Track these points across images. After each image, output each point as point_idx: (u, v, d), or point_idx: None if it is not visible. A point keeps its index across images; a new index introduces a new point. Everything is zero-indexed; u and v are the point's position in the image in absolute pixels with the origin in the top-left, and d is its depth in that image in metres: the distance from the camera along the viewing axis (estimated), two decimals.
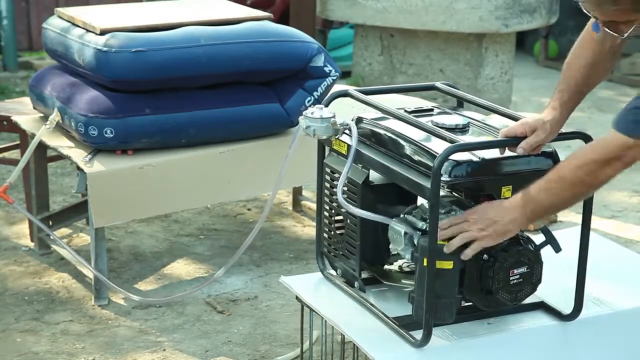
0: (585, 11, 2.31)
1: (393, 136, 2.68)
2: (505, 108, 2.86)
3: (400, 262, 2.88)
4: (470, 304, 2.66)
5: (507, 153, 2.57)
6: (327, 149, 2.90)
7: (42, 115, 4.08)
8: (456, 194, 2.73)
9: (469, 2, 6.13)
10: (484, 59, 6.38)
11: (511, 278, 2.57)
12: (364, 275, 2.84)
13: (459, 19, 6.17)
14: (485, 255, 2.55)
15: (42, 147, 3.99)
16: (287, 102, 3.94)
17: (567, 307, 2.74)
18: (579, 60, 2.61)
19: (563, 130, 2.62)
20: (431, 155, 2.51)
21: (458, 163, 2.48)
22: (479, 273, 2.57)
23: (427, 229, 2.50)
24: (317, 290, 2.94)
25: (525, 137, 2.53)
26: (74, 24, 3.91)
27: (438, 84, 3.04)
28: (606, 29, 2.31)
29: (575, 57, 2.62)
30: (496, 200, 2.54)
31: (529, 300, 2.68)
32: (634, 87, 7.64)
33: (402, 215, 2.70)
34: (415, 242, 2.55)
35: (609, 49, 2.58)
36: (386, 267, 2.87)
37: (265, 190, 4.18)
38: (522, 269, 2.58)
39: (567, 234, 3.01)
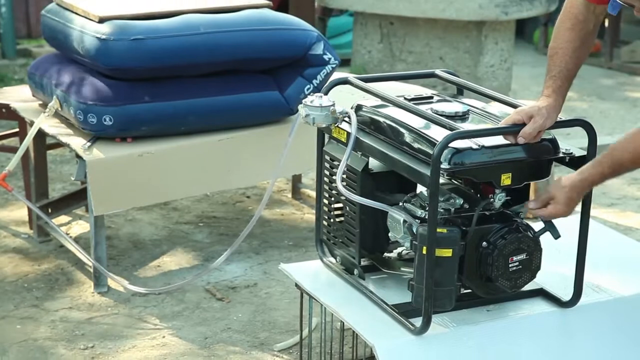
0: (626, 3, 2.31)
1: (393, 124, 2.68)
2: (505, 96, 2.85)
3: (399, 249, 2.88)
4: (470, 291, 2.67)
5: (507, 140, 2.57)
6: (326, 136, 2.89)
7: (41, 102, 4.08)
8: (456, 182, 2.73)
9: None
10: (483, 46, 6.37)
11: (510, 265, 2.57)
12: (364, 262, 2.85)
13: (459, 7, 6.15)
14: (484, 242, 2.56)
15: (41, 134, 3.98)
16: (286, 90, 3.94)
17: (566, 294, 2.75)
18: (567, 45, 2.62)
19: (563, 117, 2.62)
20: (431, 142, 2.51)
21: (458, 150, 2.48)
22: (479, 260, 2.57)
23: (426, 217, 2.50)
24: (317, 277, 2.95)
25: (524, 125, 2.53)
26: (72, 12, 3.91)
27: (438, 72, 3.03)
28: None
29: (563, 41, 2.63)
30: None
31: (528, 287, 2.69)
32: (633, 74, 7.64)
33: (401, 204, 2.70)
34: (415, 230, 2.55)
35: (592, 28, 2.62)
36: (385, 254, 2.87)
37: (264, 178, 4.18)
38: (522, 256, 2.59)
39: (567, 222, 3.01)
